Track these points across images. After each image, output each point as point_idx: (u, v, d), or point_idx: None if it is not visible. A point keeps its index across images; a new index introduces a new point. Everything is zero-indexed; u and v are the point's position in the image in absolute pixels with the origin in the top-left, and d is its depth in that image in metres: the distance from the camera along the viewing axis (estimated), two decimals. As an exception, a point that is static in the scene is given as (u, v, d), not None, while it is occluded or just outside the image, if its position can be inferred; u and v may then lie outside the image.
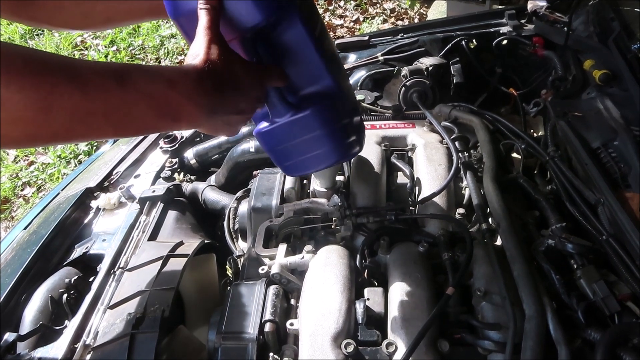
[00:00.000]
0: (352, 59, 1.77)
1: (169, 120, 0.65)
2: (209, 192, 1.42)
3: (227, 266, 1.33)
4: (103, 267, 1.16)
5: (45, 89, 0.53)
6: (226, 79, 0.68)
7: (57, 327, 1.06)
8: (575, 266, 0.94)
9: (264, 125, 0.88)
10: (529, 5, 1.70)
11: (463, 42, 1.66)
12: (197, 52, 0.66)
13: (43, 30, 4.51)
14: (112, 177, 1.52)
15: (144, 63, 4.22)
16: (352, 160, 1.26)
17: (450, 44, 1.65)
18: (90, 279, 1.17)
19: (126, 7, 0.87)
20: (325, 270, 0.99)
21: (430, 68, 1.54)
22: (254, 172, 1.35)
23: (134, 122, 0.62)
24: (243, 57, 0.72)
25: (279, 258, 1.07)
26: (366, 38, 1.82)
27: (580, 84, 1.37)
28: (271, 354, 0.91)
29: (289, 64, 0.81)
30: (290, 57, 0.80)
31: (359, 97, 1.58)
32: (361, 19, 4.26)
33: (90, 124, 0.58)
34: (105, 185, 1.49)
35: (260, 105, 0.82)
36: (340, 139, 0.92)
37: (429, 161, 1.23)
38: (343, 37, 3.90)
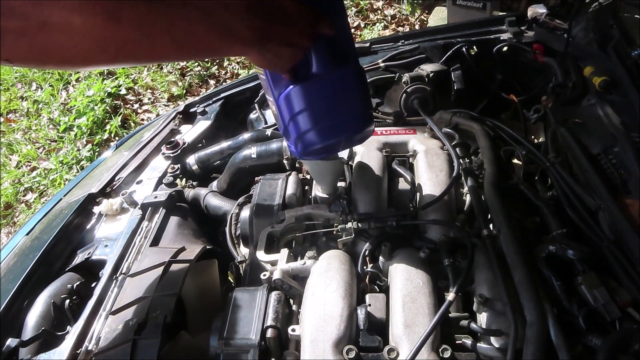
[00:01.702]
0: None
1: (225, 41, 0.68)
2: (211, 197, 1.43)
3: (228, 272, 1.33)
4: (105, 273, 1.16)
5: None
6: (276, 9, 0.72)
7: (60, 333, 1.06)
8: (576, 272, 0.94)
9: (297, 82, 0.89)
10: (529, 12, 1.71)
11: (464, 49, 1.66)
12: None
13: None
14: (114, 183, 1.52)
15: (145, 69, 4.24)
16: (353, 166, 1.27)
17: (450, 51, 1.66)
18: (93, 285, 1.17)
19: None
20: (327, 276, 0.99)
21: (431, 74, 1.54)
22: (256, 178, 1.35)
23: (195, 39, 0.66)
24: None
25: (280, 264, 1.07)
26: (367, 45, 1.83)
27: (580, 90, 1.37)
28: (273, 360, 0.92)
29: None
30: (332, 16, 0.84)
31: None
32: (362, 25, 4.28)
33: (155, 38, 0.62)
34: (107, 191, 1.50)
35: (310, 45, 0.82)
36: (367, 105, 0.98)
37: (429, 167, 1.23)
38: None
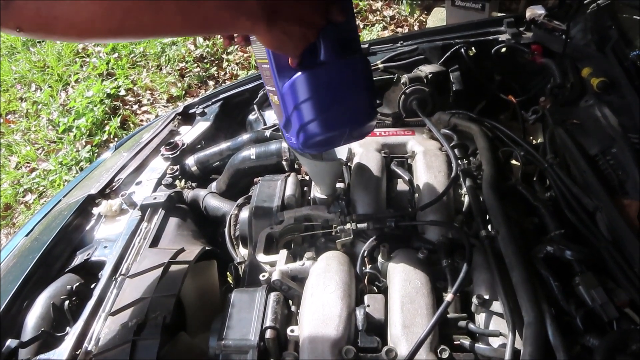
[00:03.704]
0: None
1: (231, 13, 0.68)
2: (210, 199, 1.43)
3: (228, 273, 1.33)
4: (104, 274, 1.16)
5: None
6: None
7: (59, 334, 1.06)
8: (573, 273, 0.94)
9: (305, 68, 0.88)
10: (528, 13, 1.71)
11: (462, 50, 1.67)
12: None
13: (45, 38, 4.53)
14: (113, 184, 1.52)
15: (145, 70, 4.25)
16: (352, 167, 1.27)
17: (449, 52, 1.66)
18: (92, 286, 1.18)
19: None
20: (326, 276, 0.99)
21: (429, 76, 1.55)
22: (255, 179, 1.35)
23: (200, 10, 0.65)
24: None
25: (279, 265, 1.07)
26: (366, 46, 1.83)
27: (578, 91, 1.38)
28: (272, 361, 0.92)
29: None
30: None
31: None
32: (361, 26, 4.28)
33: (160, 5, 0.62)
34: (106, 192, 1.50)
35: (322, 23, 0.80)
36: (372, 97, 0.97)
37: (428, 168, 1.23)
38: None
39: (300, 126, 0.91)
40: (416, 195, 1.20)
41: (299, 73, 0.86)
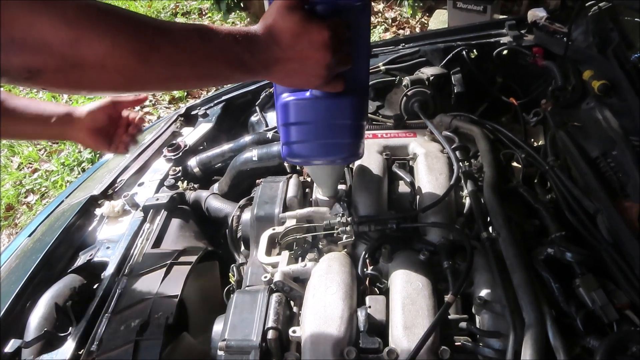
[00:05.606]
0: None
1: (240, 71, 0.73)
2: (212, 200, 1.44)
3: (230, 274, 1.34)
4: (107, 275, 1.17)
5: (144, 40, 0.62)
6: (287, 31, 0.73)
7: (62, 334, 1.07)
8: (574, 275, 0.95)
9: (298, 95, 0.88)
10: (529, 16, 1.72)
11: (464, 52, 1.67)
12: (265, 15, 0.75)
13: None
14: (116, 185, 1.53)
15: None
16: (353, 169, 1.28)
17: (451, 54, 1.67)
18: (95, 286, 1.18)
19: None
20: (328, 278, 1.00)
21: (431, 78, 1.55)
22: (257, 181, 1.36)
23: (213, 72, 0.71)
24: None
25: (281, 266, 1.08)
26: (368, 48, 1.84)
27: (580, 94, 1.38)
28: (273, 361, 0.92)
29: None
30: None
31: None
32: (363, 28, 4.29)
33: (178, 73, 0.68)
34: (109, 193, 1.50)
35: (326, 58, 0.77)
36: (359, 136, 0.98)
37: (429, 170, 1.24)
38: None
39: (285, 142, 0.96)
40: (417, 197, 1.21)
41: (290, 98, 0.88)
